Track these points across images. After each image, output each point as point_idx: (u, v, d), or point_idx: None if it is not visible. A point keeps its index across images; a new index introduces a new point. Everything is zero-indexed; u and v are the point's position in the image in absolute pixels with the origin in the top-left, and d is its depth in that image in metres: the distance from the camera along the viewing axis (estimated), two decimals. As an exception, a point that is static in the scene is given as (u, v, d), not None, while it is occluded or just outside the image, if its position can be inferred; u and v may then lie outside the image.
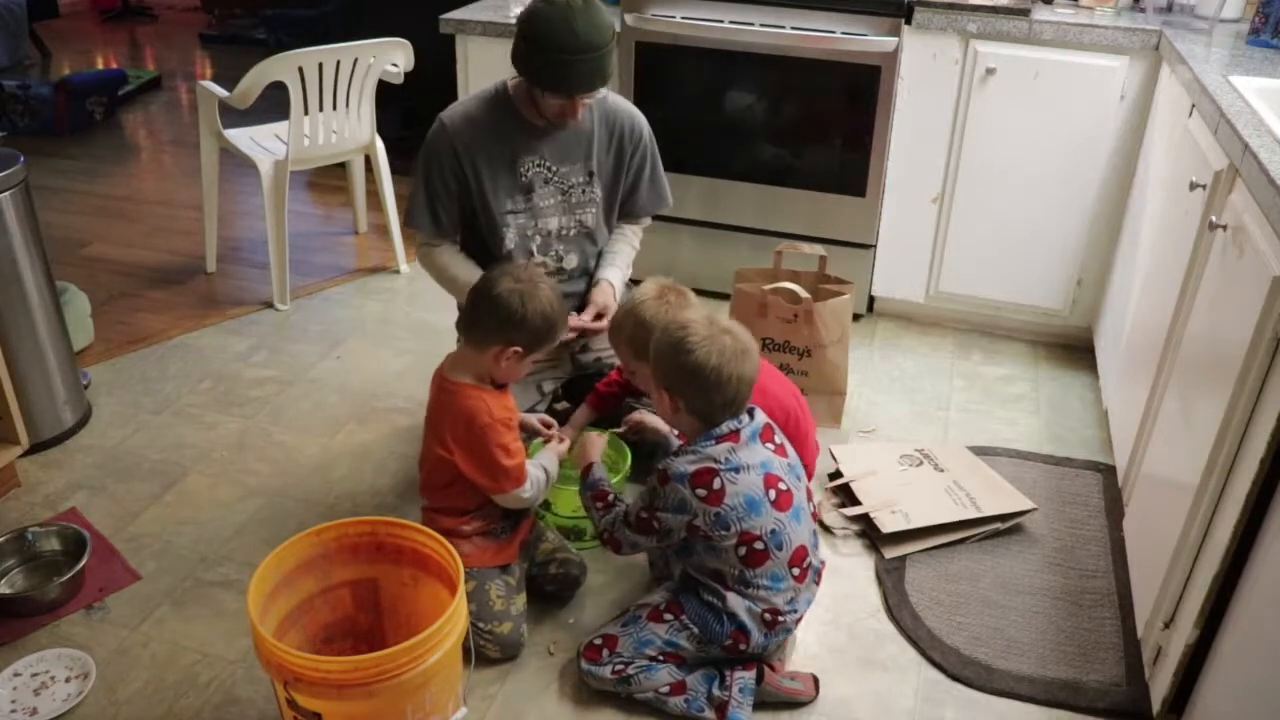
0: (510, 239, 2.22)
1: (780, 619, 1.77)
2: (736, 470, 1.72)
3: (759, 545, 1.72)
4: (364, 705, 1.49)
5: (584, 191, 2.26)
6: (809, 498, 1.84)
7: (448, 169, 2.16)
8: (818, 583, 1.86)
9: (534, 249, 2.26)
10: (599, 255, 2.37)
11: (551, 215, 2.25)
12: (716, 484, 1.71)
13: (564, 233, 2.28)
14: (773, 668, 1.82)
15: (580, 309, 2.31)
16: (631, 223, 2.43)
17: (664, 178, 2.41)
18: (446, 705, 1.61)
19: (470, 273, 2.18)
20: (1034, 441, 2.58)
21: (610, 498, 1.88)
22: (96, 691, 1.80)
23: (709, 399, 1.73)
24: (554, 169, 2.22)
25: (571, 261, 2.31)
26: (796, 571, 1.77)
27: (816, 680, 1.83)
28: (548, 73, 2.03)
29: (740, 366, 1.71)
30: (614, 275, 2.34)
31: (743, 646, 1.77)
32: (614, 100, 2.29)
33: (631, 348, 2.03)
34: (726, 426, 1.74)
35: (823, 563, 1.88)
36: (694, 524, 1.73)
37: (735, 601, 1.75)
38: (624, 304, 2.11)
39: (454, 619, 1.54)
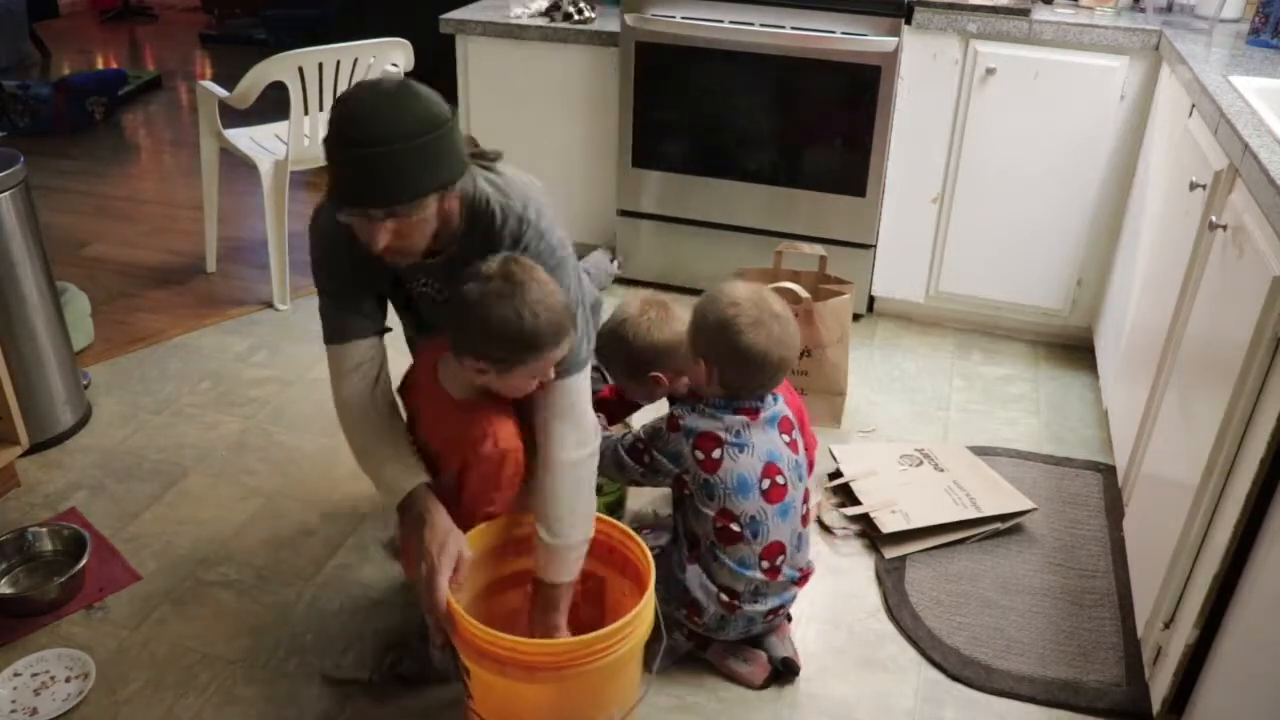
0: (409, 325, 1.93)
1: (738, 604, 1.78)
2: (741, 448, 1.76)
3: (735, 527, 1.75)
4: (499, 681, 1.50)
5: None
6: (805, 499, 1.85)
7: (343, 262, 1.68)
8: (799, 584, 1.85)
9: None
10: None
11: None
12: (717, 453, 1.76)
13: None
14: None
15: None
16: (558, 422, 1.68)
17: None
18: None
19: (381, 444, 1.71)
20: (1034, 441, 2.58)
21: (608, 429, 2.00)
22: (96, 691, 1.80)
23: (747, 380, 1.79)
24: (441, 290, 1.75)
25: None
26: (767, 565, 1.78)
27: (774, 667, 1.84)
28: (330, 176, 1.51)
29: (784, 352, 1.78)
30: (552, 568, 1.67)
31: (696, 618, 1.80)
32: (514, 208, 1.64)
33: (619, 365, 2.03)
34: (749, 402, 1.80)
35: (806, 568, 1.87)
36: (683, 478, 1.80)
37: (691, 575, 1.79)
38: (608, 322, 2.05)
39: (600, 648, 1.49)
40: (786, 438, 1.83)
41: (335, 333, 1.74)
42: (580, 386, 1.68)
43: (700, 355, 1.81)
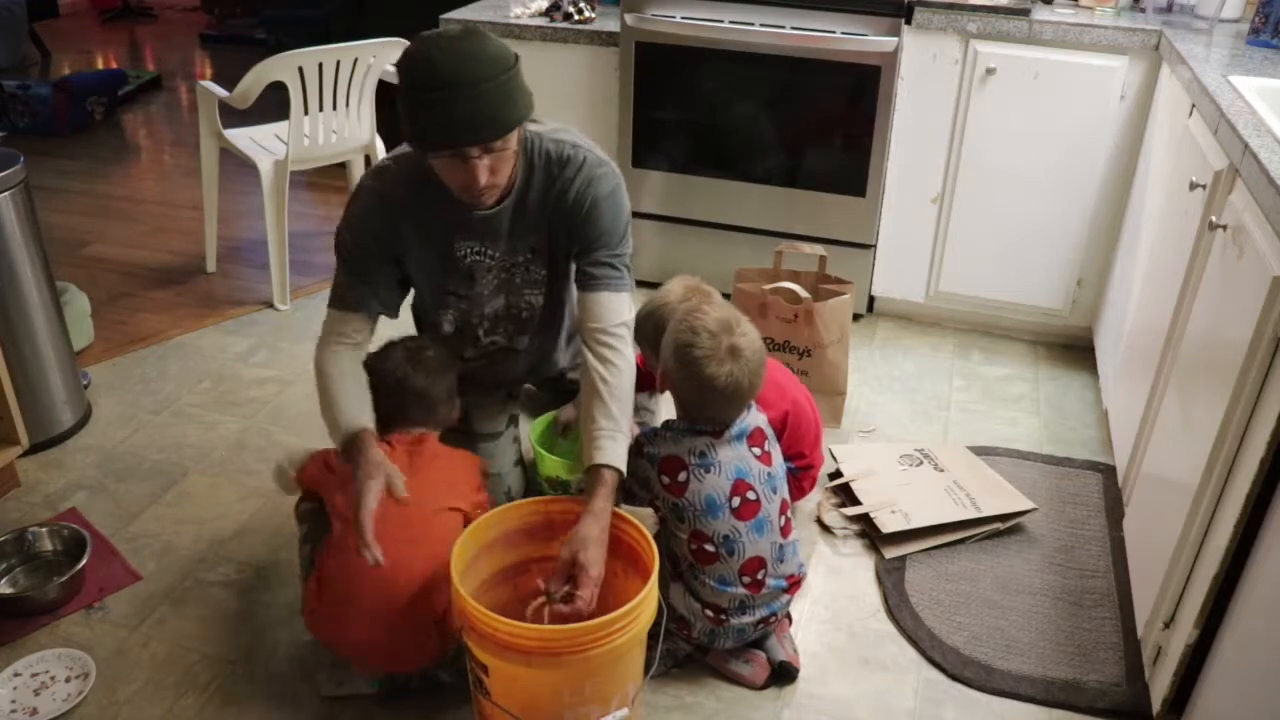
0: (449, 321, 1.95)
1: (725, 619, 1.77)
2: (706, 469, 1.74)
3: (709, 547, 1.74)
4: (523, 671, 1.52)
5: (528, 270, 1.91)
6: (783, 510, 1.82)
7: (369, 237, 1.82)
8: (788, 592, 1.84)
9: (480, 334, 1.98)
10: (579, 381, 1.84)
11: (495, 298, 1.94)
12: (682, 477, 1.74)
13: (512, 313, 1.97)
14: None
15: (541, 393, 2.22)
16: (603, 335, 1.80)
17: (628, 254, 1.86)
18: (609, 699, 1.60)
19: (342, 397, 1.77)
20: (1034, 441, 2.58)
21: None
22: (96, 691, 1.80)
23: (700, 404, 1.77)
24: (493, 255, 1.87)
25: (523, 343, 2.02)
26: (748, 580, 1.76)
27: (773, 668, 1.83)
28: (422, 119, 1.60)
29: (741, 390, 1.73)
30: (611, 451, 1.71)
31: (686, 633, 1.80)
32: (574, 147, 1.83)
33: (653, 349, 2.01)
34: (709, 425, 1.77)
35: (796, 575, 1.85)
36: (654, 503, 1.80)
37: (675, 593, 1.79)
38: (647, 303, 2.05)
39: (619, 625, 1.52)
40: (757, 450, 1.80)
41: (341, 300, 1.83)
42: (628, 299, 1.84)
43: (664, 368, 1.80)
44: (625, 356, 1.79)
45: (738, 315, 1.78)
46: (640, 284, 3.27)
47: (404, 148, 1.80)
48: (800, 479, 2.15)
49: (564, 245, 1.88)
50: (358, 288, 1.82)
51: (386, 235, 1.81)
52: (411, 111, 1.61)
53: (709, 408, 1.76)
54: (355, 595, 1.68)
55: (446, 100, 1.56)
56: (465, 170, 1.64)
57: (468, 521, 1.75)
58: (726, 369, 1.71)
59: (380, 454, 1.69)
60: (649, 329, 2.01)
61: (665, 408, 2.21)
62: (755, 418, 1.82)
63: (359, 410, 1.75)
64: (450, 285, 1.91)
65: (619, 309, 1.81)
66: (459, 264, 1.87)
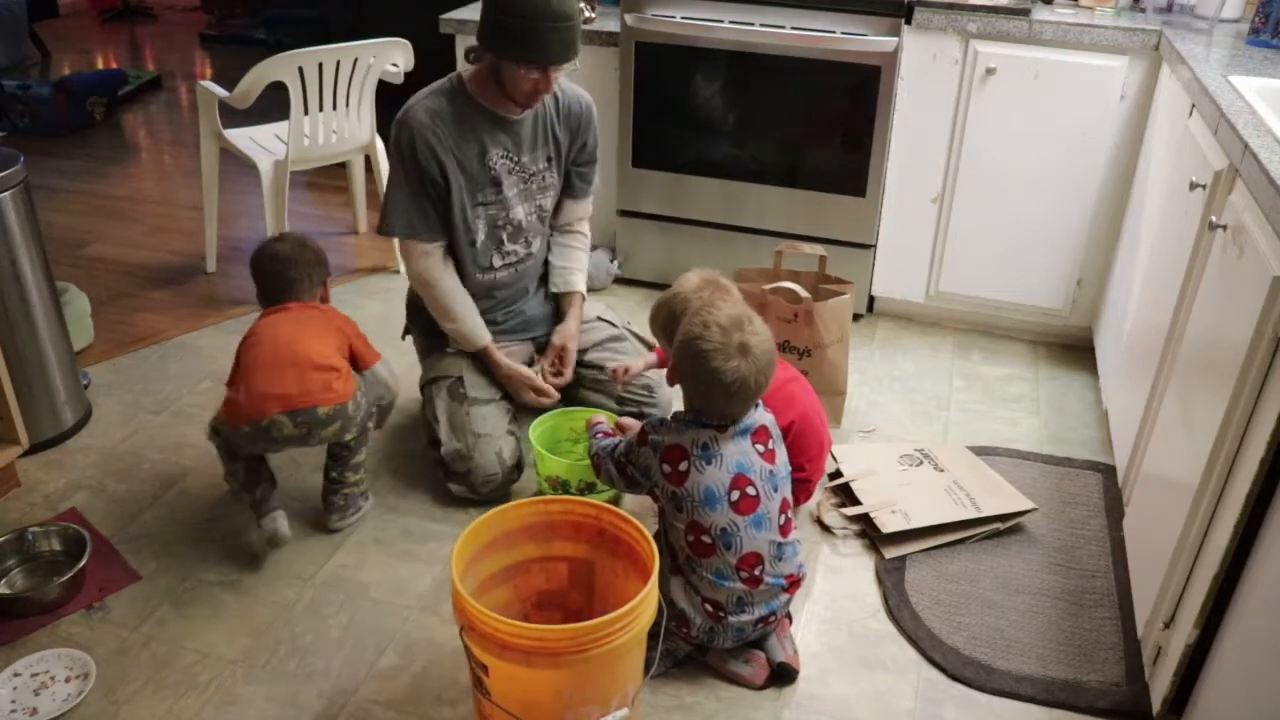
0: (481, 230, 2.29)
1: (724, 615, 1.77)
2: (708, 461, 1.74)
3: (706, 539, 1.74)
4: (522, 671, 1.52)
5: (544, 178, 2.34)
6: (784, 509, 1.82)
7: (426, 167, 2.18)
8: (788, 591, 1.83)
9: (505, 237, 2.33)
10: (548, 260, 2.49)
11: (517, 204, 2.31)
12: (683, 466, 1.75)
13: (529, 218, 2.35)
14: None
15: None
16: (574, 204, 2.47)
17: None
18: (609, 699, 1.60)
19: (465, 309, 2.33)
20: (1034, 441, 2.58)
21: (609, 432, 2.06)
22: (96, 691, 1.80)
23: (706, 399, 1.77)
24: (516, 159, 2.27)
25: (536, 244, 2.41)
26: (745, 575, 1.76)
27: (773, 669, 1.83)
28: (521, 42, 2.04)
29: (747, 391, 1.73)
30: (579, 283, 2.48)
31: (686, 631, 1.79)
32: (563, 82, 2.31)
33: (667, 336, 2.02)
34: (714, 420, 1.77)
35: (795, 574, 1.84)
36: (654, 491, 1.81)
37: (675, 587, 1.79)
38: (664, 295, 2.08)
39: (619, 625, 1.52)
40: (760, 447, 1.79)
41: (411, 229, 2.26)
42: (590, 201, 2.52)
43: (673, 360, 1.81)
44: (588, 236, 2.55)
45: (750, 313, 1.78)
46: (641, 285, 3.29)
47: (425, 94, 2.20)
48: (795, 491, 2.14)
49: (568, 152, 2.35)
50: (424, 213, 2.24)
51: (434, 164, 2.18)
52: (519, 34, 2.03)
53: (715, 402, 1.75)
54: (271, 360, 2.07)
55: (553, 30, 2.03)
56: (542, 80, 2.10)
57: (349, 344, 2.18)
58: (734, 364, 1.71)
59: (506, 360, 2.36)
60: (663, 319, 2.02)
61: (675, 401, 2.23)
62: (761, 415, 1.82)
63: (479, 326, 2.34)
64: (482, 195, 2.26)
65: (588, 208, 2.51)
66: (490, 171, 2.24)
